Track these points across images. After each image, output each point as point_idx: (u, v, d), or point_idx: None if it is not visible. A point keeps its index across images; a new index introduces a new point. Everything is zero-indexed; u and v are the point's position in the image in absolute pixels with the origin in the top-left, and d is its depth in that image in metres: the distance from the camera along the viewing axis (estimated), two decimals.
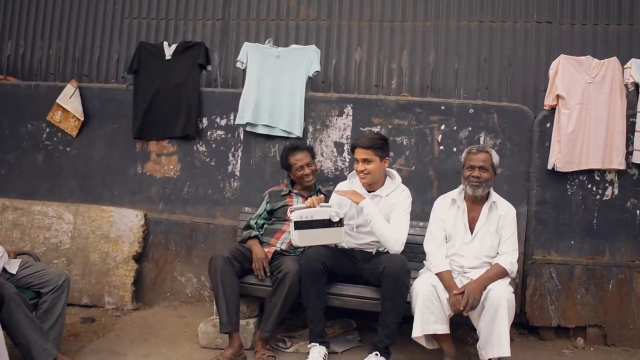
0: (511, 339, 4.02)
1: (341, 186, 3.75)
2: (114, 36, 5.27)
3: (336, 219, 3.42)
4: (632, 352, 3.92)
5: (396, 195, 3.58)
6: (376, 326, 3.37)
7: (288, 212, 3.58)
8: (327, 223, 3.41)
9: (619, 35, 4.60)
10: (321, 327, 3.45)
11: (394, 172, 3.70)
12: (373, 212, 3.42)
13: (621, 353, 3.91)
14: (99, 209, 4.55)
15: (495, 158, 3.40)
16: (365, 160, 3.50)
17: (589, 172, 4.04)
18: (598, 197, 4.04)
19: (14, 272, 3.15)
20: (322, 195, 3.70)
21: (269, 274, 3.59)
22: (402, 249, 3.43)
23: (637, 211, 4.01)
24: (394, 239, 3.40)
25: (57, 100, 4.59)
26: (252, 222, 3.87)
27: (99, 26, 5.31)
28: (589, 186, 4.05)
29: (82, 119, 4.61)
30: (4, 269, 3.09)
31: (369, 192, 3.59)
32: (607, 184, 4.03)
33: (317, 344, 3.40)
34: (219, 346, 3.56)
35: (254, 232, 3.80)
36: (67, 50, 5.20)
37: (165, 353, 3.51)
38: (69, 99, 4.58)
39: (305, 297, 3.42)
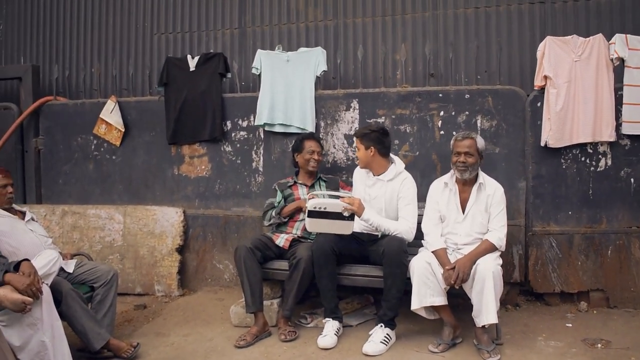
0: (518, 305, 4.35)
1: (357, 171, 4.11)
2: (146, 52, 5.76)
3: (347, 214, 3.70)
4: (633, 312, 4.12)
5: (399, 182, 3.88)
6: (381, 301, 3.74)
7: (307, 196, 3.95)
8: (338, 216, 3.69)
9: (611, 8, 4.61)
10: (334, 304, 3.82)
11: (397, 160, 4.00)
12: (377, 220, 3.77)
13: (623, 314, 4.11)
14: (144, 209, 5.10)
15: (480, 143, 3.64)
16: (357, 148, 3.94)
17: (582, 146, 4.20)
18: (592, 168, 4.21)
19: (71, 271, 3.65)
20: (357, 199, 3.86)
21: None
22: (413, 235, 3.81)
23: (631, 179, 4.16)
24: (404, 231, 3.77)
25: (101, 115, 5.16)
26: (271, 211, 4.27)
27: (132, 44, 5.80)
28: (583, 159, 4.21)
29: (123, 130, 5.16)
30: (62, 269, 3.58)
31: (374, 176, 3.94)
32: (600, 156, 4.19)
33: (331, 319, 3.78)
34: (248, 325, 3.98)
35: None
36: (107, 69, 5.69)
37: (202, 332, 4.00)
38: (110, 113, 5.14)
39: (318, 278, 3.80)
